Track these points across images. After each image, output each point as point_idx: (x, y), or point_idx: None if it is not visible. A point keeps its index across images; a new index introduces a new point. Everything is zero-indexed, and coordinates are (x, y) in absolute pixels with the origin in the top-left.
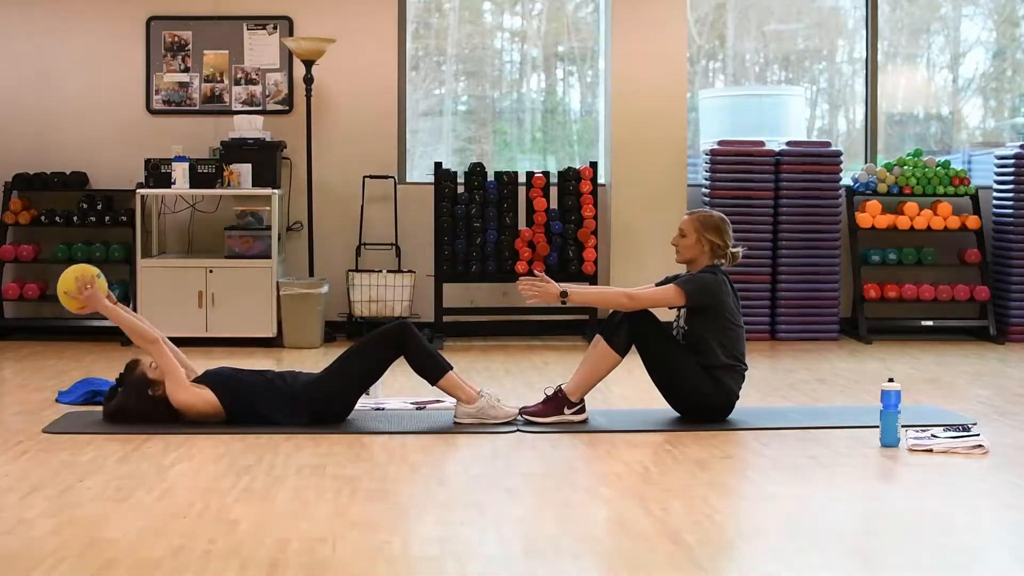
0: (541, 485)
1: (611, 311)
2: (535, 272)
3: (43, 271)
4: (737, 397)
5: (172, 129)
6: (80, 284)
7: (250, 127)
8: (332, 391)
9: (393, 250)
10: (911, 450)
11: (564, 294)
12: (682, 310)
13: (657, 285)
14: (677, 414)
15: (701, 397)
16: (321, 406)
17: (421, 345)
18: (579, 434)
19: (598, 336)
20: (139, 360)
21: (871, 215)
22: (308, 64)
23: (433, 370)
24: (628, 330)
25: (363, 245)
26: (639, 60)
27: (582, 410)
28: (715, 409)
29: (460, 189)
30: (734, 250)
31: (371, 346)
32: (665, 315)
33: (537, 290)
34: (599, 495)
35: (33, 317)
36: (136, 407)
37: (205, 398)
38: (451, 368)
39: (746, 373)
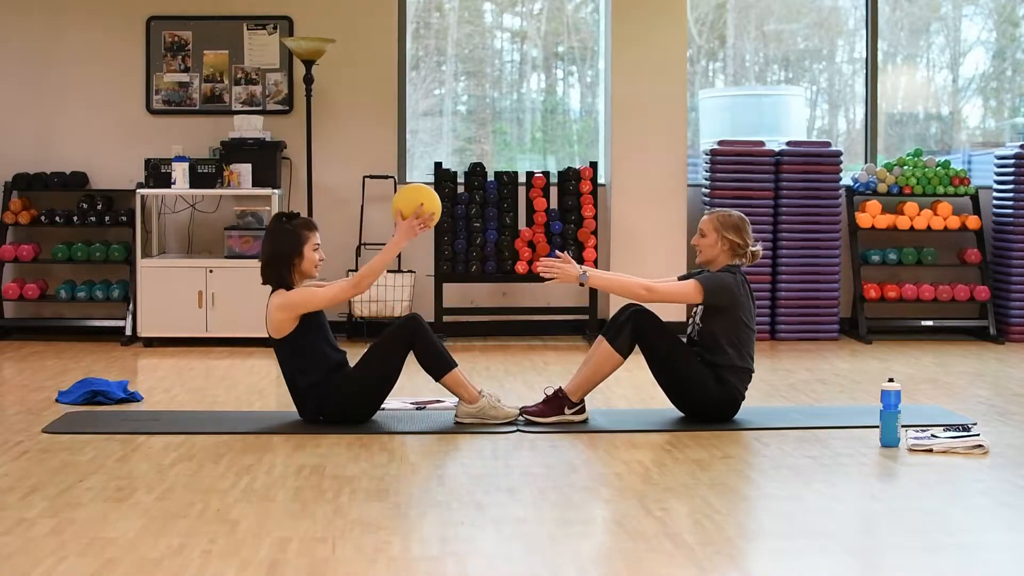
0: (541, 485)
1: (615, 313)
2: (558, 254)
3: (43, 271)
4: (743, 398)
5: (172, 129)
6: (423, 219)
7: (250, 127)
8: (358, 392)
9: None
10: (911, 450)
11: (584, 275)
12: (698, 308)
13: (679, 280)
14: (678, 414)
15: (706, 396)
16: (347, 407)
17: (430, 338)
18: (579, 434)
19: (600, 337)
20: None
21: (871, 215)
22: (308, 64)
23: (439, 365)
24: (631, 331)
25: (363, 245)
26: (639, 60)
27: (582, 410)
28: (720, 408)
29: (460, 189)
30: (754, 249)
31: (389, 343)
32: (674, 314)
33: (558, 270)
34: (599, 495)
35: (33, 317)
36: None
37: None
38: (456, 365)
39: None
